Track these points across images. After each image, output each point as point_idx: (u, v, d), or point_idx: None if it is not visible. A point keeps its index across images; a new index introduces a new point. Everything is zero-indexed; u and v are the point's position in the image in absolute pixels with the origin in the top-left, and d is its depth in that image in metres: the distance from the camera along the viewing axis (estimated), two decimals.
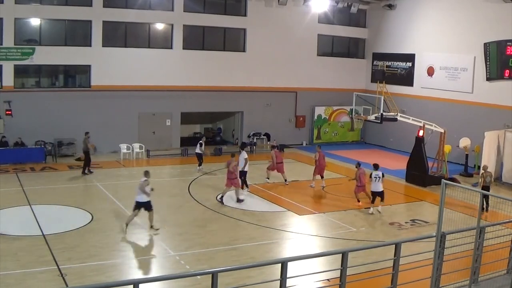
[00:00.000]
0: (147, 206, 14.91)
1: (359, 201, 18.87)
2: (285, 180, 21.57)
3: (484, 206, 17.14)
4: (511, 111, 24.26)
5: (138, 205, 14.89)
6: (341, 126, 33.20)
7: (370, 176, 17.99)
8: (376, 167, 18.15)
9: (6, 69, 24.40)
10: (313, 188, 21.16)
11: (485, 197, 17.54)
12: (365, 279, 10.31)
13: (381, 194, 17.91)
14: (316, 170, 21.29)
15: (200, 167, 23.57)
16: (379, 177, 17.82)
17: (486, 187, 18.01)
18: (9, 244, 13.58)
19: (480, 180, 19.12)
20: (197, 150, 23.77)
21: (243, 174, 19.77)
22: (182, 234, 15.26)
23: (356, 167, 18.88)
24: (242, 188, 19.63)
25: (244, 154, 19.87)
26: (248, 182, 20.40)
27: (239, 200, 18.59)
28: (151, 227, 15.17)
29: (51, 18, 25.25)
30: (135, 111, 27.27)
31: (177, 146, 28.42)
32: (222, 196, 18.62)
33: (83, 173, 22.18)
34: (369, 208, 18.05)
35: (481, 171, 19.41)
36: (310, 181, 21.49)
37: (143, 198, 14.80)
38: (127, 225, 14.97)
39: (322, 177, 21.30)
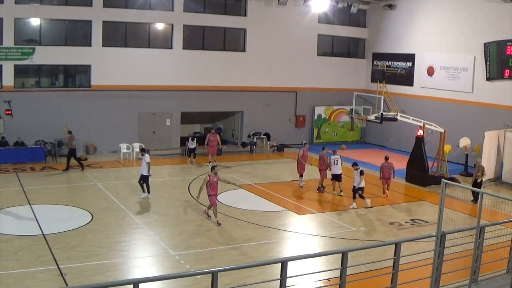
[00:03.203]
0: (340, 177, 20.17)
1: (384, 192, 20.36)
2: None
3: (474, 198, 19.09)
4: (511, 111, 24.26)
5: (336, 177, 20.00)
6: (341, 126, 33.21)
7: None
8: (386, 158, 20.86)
9: (6, 69, 24.40)
10: (301, 187, 21.48)
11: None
12: (365, 279, 10.32)
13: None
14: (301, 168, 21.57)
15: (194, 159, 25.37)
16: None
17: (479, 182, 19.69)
18: (9, 244, 13.58)
19: (478, 173, 19.98)
20: (192, 146, 25.48)
21: (144, 178, 18.72)
22: (182, 234, 15.26)
23: (385, 160, 20.75)
24: (145, 191, 18.93)
25: (146, 158, 18.84)
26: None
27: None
28: (341, 191, 20.11)
29: (51, 18, 25.26)
30: (135, 111, 27.28)
31: (177, 146, 28.42)
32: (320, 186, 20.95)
33: (66, 169, 22.50)
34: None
35: (478, 165, 20.30)
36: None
37: (339, 170, 20.10)
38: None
39: (301, 175, 21.56)
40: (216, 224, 16.03)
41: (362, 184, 18.54)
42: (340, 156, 20.60)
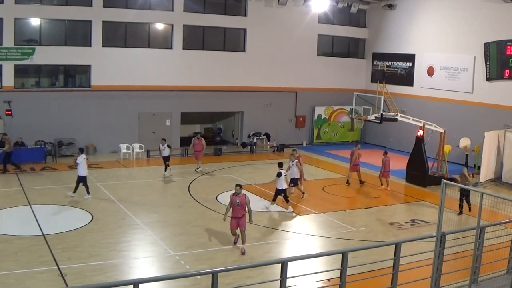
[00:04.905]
0: (296, 181, 19.02)
1: (382, 184, 21.38)
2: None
3: (466, 206, 17.87)
4: (511, 111, 24.26)
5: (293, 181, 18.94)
6: (341, 126, 33.21)
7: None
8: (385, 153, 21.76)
9: (6, 69, 24.41)
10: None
11: (466, 197, 17.72)
12: (365, 279, 10.31)
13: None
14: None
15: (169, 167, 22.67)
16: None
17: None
18: (9, 244, 13.59)
19: (467, 182, 18.41)
20: (166, 154, 22.45)
21: (82, 179, 18.31)
22: (182, 234, 15.26)
23: (384, 154, 21.41)
24: (88, 193, 18.49)
25: (79, 158, 18.41)
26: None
27: None
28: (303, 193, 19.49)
29: (51, 18, 25.26)
30: (135, 111, 27.28)
31: (177, 146, 28.39)
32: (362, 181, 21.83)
33: (3, 171, 21.94)
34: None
35: (466, 173, 18.88)
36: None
37: (296, 175, 18.87)
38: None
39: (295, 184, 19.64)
40: (240, 253, 13.76)
41: (284, 186, 17.76)
42: (298, 160, 19.29)
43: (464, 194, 17.60)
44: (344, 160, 27.38)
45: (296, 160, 19.16)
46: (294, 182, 19.05)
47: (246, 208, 13.76)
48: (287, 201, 17.98)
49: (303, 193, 19.62)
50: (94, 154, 26.20)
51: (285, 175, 17.89)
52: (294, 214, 17.70)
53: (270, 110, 30.93)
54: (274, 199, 18.17)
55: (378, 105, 23.94)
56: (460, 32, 27.03)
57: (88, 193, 18.50)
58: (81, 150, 19.31)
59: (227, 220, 14.04)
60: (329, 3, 30.21)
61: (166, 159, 22.42)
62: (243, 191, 13.93)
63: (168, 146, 22.55)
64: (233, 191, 13.92)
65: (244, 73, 29.71)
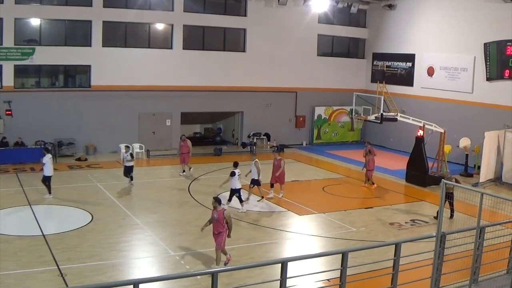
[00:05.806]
0: (258, 182, 18.67)
1: (373, 183, 21.59)
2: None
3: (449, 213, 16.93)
4: (511, 111, 24.26)
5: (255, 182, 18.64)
6: (341, 126, 33.20)
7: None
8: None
9: (6, 69, 24.40)
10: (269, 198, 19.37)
11: (450, 202, 16.60)
12: (365, 279, 10.32)
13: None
14: (272, 178, 19.69)
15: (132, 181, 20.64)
16: None
17: (450, 193, 15.98)
18: (9, 244, 13.59)
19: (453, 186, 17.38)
20: (129, 164, 20.47)
21: (47, 178, 18.13)
22: (182, 234, 15.26)
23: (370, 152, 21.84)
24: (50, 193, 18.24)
25: (45, 158, 18.18)
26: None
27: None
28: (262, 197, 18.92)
29: (51, 18, 25.25)
30: (135, 111, 27.28)
31: (177, 146, 28.35)
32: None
33: None
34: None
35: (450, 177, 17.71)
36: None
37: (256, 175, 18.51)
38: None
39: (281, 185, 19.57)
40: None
41: (238, 186, 17.43)
42: (257, 160, 18.88)
43: (449, 197, 16.33)
44: (344, 160, 27.40)
45: (256, 160, 18.79)
46: (254, 182, 18.66)
47: (225, 225, 12.23)
48: (241, 200, 17.59)
49: (262, 197, 18.94)
50: (94, 154, 26.20)
51: (239, 174, 17.50)
52: (244, 210, 17.40)
53: (270, 110, 30.93)
54: (229, 199, 17.53)
55: (378, 105, 23.94)
56: (460, 32, 27.03)
57: (50, 193, 18.33)
58: (47, 150, 19.24)
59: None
60: (329, 3, 30.21)
61: (129, 170, 20.46)
62: (223, 206, 12.58)
63: (131, 155, 20.53)
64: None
65: (244, 73, 29.70)
